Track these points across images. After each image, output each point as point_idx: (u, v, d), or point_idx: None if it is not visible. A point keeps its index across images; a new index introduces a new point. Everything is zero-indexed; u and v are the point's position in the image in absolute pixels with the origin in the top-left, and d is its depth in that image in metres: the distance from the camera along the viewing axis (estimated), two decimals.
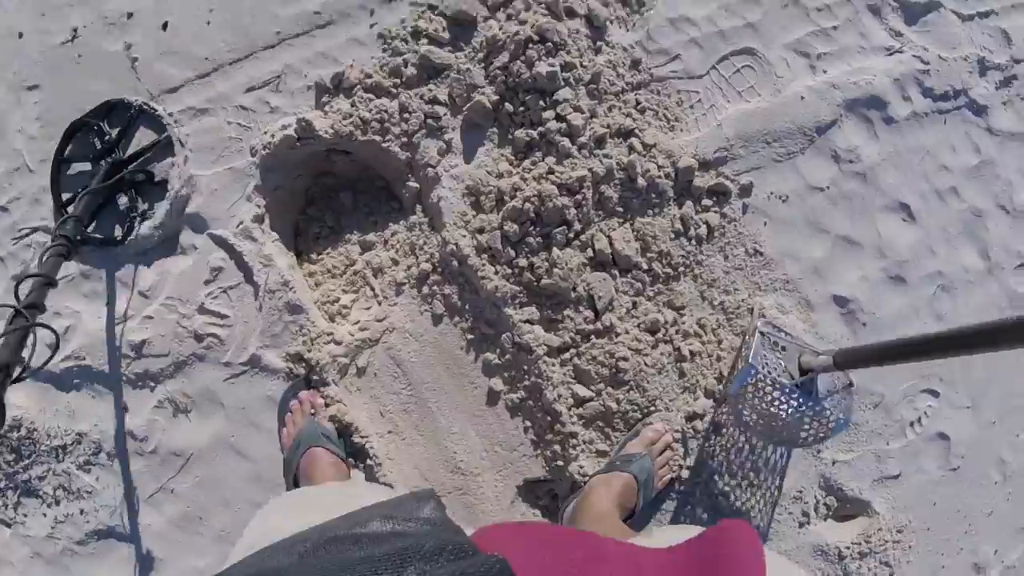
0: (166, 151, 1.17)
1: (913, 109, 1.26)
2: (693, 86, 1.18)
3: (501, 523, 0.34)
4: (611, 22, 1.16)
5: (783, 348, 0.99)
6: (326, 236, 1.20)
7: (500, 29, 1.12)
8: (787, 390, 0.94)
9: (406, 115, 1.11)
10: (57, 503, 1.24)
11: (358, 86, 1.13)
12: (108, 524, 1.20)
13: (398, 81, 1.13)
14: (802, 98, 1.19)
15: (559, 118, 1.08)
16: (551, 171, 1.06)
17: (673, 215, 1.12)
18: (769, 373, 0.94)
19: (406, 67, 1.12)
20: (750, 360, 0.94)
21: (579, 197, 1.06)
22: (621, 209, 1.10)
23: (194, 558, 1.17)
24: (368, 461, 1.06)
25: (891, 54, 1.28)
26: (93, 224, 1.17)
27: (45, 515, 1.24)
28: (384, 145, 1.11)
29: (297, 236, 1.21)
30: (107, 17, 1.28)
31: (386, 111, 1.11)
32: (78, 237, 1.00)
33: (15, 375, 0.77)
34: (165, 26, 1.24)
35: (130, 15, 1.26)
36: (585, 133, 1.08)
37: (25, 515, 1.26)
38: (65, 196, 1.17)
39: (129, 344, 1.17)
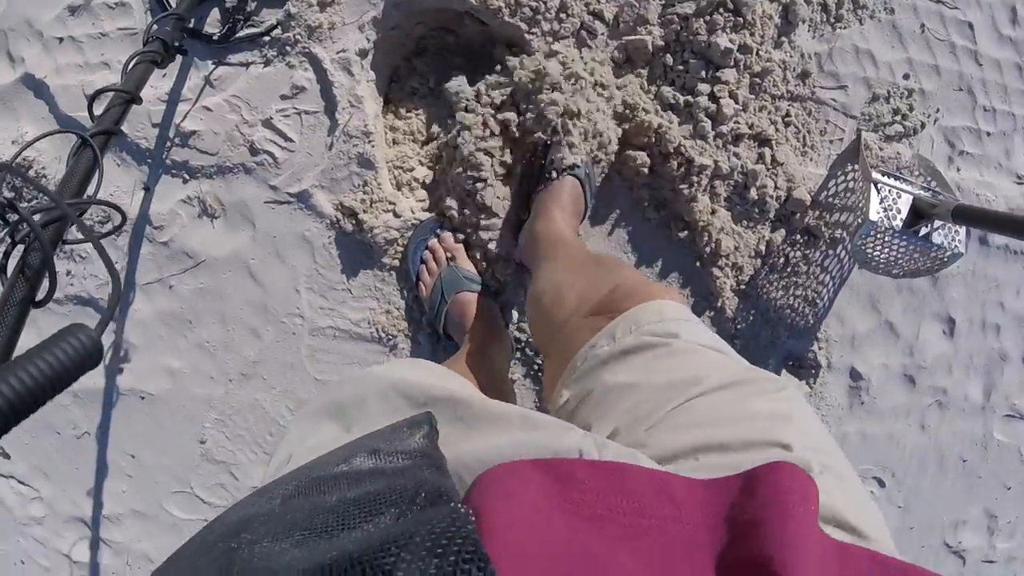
0: None
1: (1008, 243, 1.27)
2: (842, 123, 1.13)
3: (515, 461, 0.30)
4: (804, 23, 1.07)
5: (898, 195, 1.03)
6: (423, 96, 1.10)
7: None
8: (904, 236, 1.02)
9: (562, 15, 1.00)
10: None
11: None
12: (92, 295, 1.15)
13: None
14: None
15: (712, 97, 1.01)
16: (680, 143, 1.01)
17: (762, 236, 1.11)
18: (887, 223, 1.00)
19: None
20: (870, 216, 1.00)
21: (695, 178, 1.02)
22: (724, 207, 1.07)
23: (169, 358, 1.14)
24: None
25: (1019, 183, 1.26)
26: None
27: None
28: (527, 36, 1.00)
29: (391, 83, 1.11)
30: None
31: (545, 2, 0.99)
32: (176, 43, 0.85)
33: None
34: None
35: None
36: (729, 124, 1.02)
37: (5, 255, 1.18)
38: None
39: (177, 128, 1.06)
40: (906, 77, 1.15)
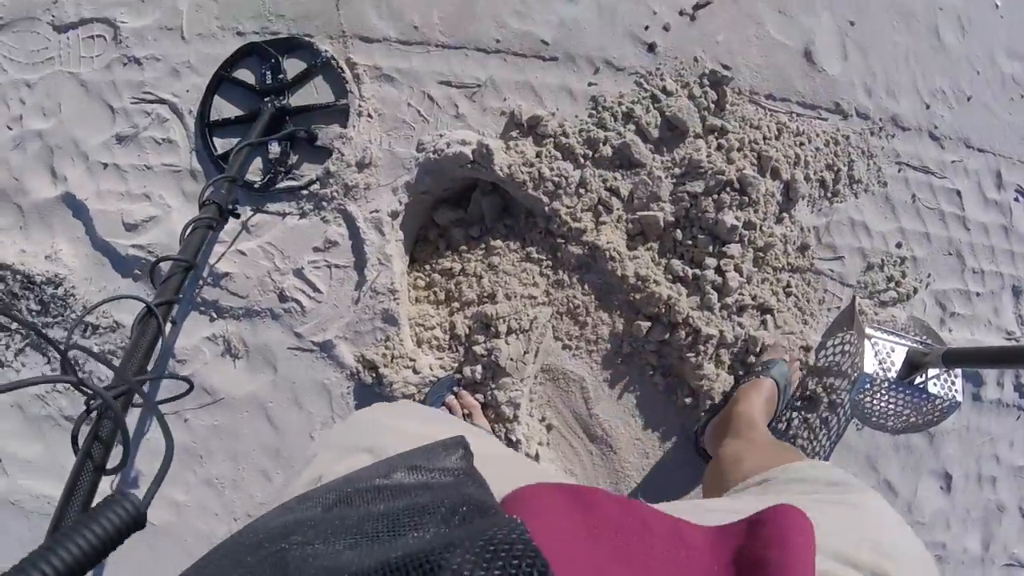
0: (336, 117, 1.09)
1: (1000, 397, 1.32)
2: (839, 291, 1.20)
3: (538, 484, 0.32)
4: (803, 199, 1.15)
5: (892, 349, 1.06)
6: (443, 251, 1.16)
7: (707, 157, 1.09)
8: (900, 387, 1.05)
9: (582, 190, 1.08)
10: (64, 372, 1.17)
11: (551, 139, 1.08)
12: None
13: (590, 153, 1.09)
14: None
15: (719, 271, 1.07)
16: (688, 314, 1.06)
17: None
18: (883, 375, 1.04)
19: (604, 144, 1.08)
20: (865, 370, 1.03)
21: (701, 347, 1.06)
22: (727, 372, 1.11)
23: (177, 491, 1.14)
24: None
25: (1008, 339, 1.33)
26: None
27: (42, 375, 1.18)
28: (547, 209, 1.07)
29: (416, 242, 1.17)
30: None
31: (566, 177, 1.07)
32: (229, 206, 0.92)
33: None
34: None
35: None
36: (734, 295, 1.08)
37: (23, 365, 1.20)
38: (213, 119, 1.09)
39: (210, 268, 1.11)
40: (899, 245, 1.23)
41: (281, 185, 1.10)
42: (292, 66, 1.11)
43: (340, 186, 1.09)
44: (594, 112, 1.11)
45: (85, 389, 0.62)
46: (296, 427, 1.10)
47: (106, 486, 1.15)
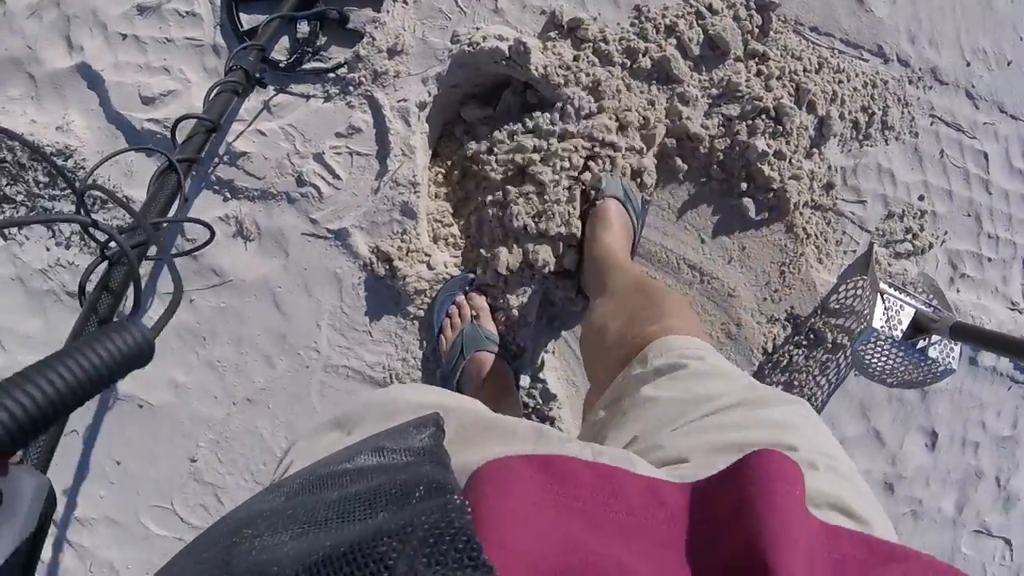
0: (370, 1, 1.05)
1: (995, 365, 1.34)
2: (857, 235, 1.20)
3: (506, 457, 0.30)
4: (835, 137, 1.14)
5: (901, 307, 1.08)
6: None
7: (746, 81, 1.07)
8: (902, 346, 1.07)
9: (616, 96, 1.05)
10: (67, 247, 1.15)
11: (590, 43, 1.05)
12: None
13: (628, 63, 1.06)
14: None
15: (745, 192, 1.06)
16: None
17: (770, 333, 1.15)
18: (889, 332, 1.06)
19: (643, 56, 1.05)
20: (873, 324, 1.04)
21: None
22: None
23: (177, 371, 1.13)
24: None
25: (1012, 309, 1.34)
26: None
27: (48, 250, 1.16)
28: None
29: (440, 137, 1.14)
30: None
31: (599, 83, 1.04)
32: (257, 74, 0.88)
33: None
34: None
35: None
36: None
37: (27, 238, 1.17)
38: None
39: (227, 146, 1.08)
40: (921, 198, 1.23)
41: (307, 66, 1.07)
42: None
43: (368, 72, 1.05)
44: (636, 21, 1.07)
45: (98, 232, 0.56)
46: (304, 314, 1.09)
47: None
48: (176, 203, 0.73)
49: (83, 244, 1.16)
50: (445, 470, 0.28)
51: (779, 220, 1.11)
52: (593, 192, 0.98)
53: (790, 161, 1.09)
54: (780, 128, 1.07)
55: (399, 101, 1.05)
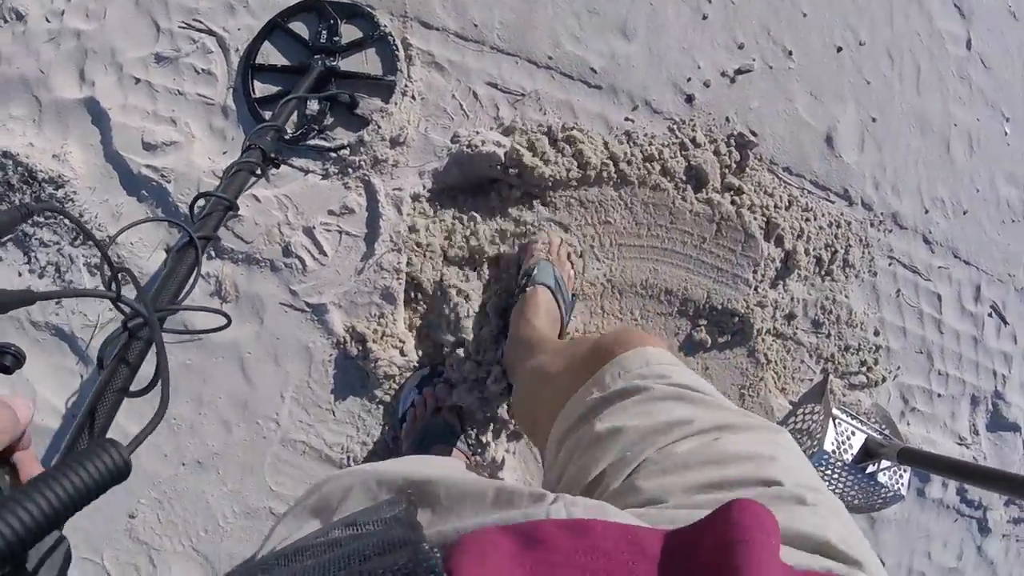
0: (380, 91, 1.12)
1: (943, 497, 1.39)
2: (814, 365, 1.25)
3: (483, 528, 0.31)
4: (799, 271, 1.21)
5: (852, 433, 1.09)
6: None
7: (716, 206, 1.14)
8: (851, 470, 1.07)
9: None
10: (40, 277, 1.14)
11: (580, 159, 1.12)
12: (74, 332, 1.13)
13: (613, 175, 1.12)
14: None
15: None
16: None
17: None
18: (839, 455, 1.06)
19: (627, 164, 1.12)
20: (824, 447, 1.05)
21: None
22: None
23: (131, 421, 1.11)
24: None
25: (959, 444, 1.40)
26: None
27: (20, 275, 1.15)
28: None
29: None
30: None
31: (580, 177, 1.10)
32: (273, 154, 0.91)
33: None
34: None
35: None
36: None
37: (0, 257, 1.16)
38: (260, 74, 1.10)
39: None
40: (876, 333, 1.30)
41: (311, 142, 1.11)
42: (348, 32, 1.13)
43: (369, 157, 1.10)
44: (625, 144, 1.15)
45: (124, 307, 0.56)
46: (270, 383, 1.09)
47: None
48: (193, 280, 0.72)
49: (56, 276, 1.15)
50: (415, 531, 0.29)
51: (742, 344, 1.17)
52: (525, 279, 1.01)
53: (756, 289, 1.15)
54: (750, 259, 1.13)
55: (394, 189, 1.09)
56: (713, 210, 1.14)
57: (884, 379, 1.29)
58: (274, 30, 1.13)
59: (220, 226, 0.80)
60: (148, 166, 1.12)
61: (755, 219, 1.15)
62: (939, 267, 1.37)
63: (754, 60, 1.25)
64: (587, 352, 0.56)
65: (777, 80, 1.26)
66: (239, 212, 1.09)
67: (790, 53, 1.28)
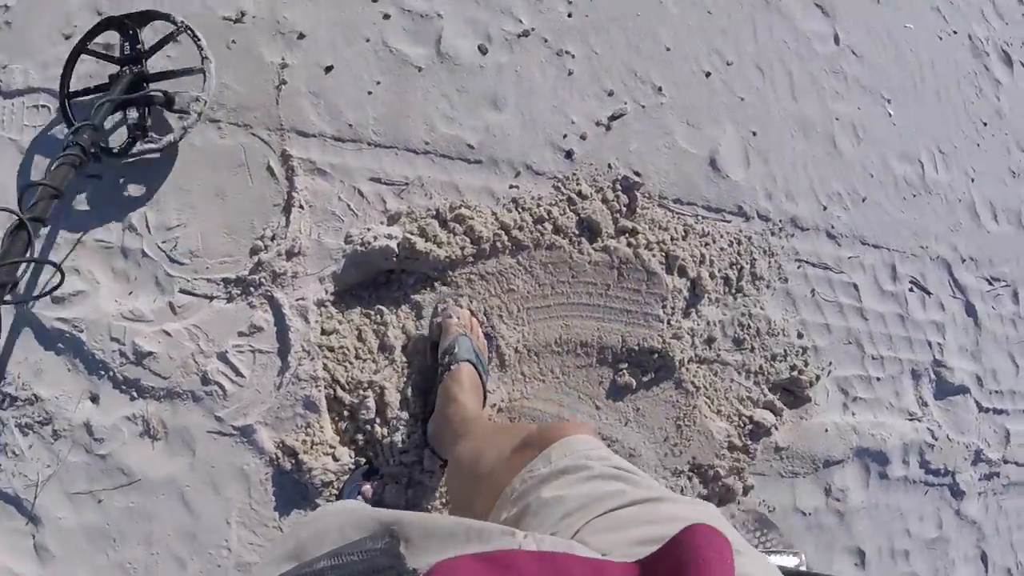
0: (192, 83, 1.13)
1: (906, 474, 1.40)
2: (745, 381, 1.28)
3: (456, 556, 0.32)
4: (709, 295, 1.25)
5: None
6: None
7: (613, 252, 1.18)
8: None
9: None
10: None
11: (468, 227, 1.16)
12: (18, 494, 1.14)
13: (507, 243, 1.16)
14: (826, 430, 1.31)
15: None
16: None
17: (675, 486, 1.19)
18: None
19: (519, 230, 1.16)
20: None
21: None
22: None
23: (86, 573, 1.12)
24: None
25: (911, 420, 1.42)
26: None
27: None
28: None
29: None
30: (279, 23, 1.26)
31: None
32: (92, 150, 0.96)
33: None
34: (329, 69, 1.24)
35: (302, 36, 1.25)
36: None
37: None
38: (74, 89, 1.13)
39: (134, 346, 1.13)
40: (800, 336, 1.33)
41: (138, 147, 1.12)
42: (150, 37, 1.15)
43: (268, 273, 1.14)
44: (513, 211, 1.20)
45: None
46: (213, 512, 1.10)
47: None
48: (28, 256, 0.80)
49: None
50: (399, 560, 0.31)
51: (668, 378, 1.19)
52: (447, 356, 1.04)
53: (669, 323, 1.18)
54: (656, 295, 1.17)
55: (298, 300, 1.13)
56: (611, 256, 1.18)
57: (818, 377, 1.32)
58: (78, 57, 1.13)
59: (48, 210, 0.86)
60: (59, 318, 1.15)
61: (654, 256, 1.19)
62: (849, 257, 1.41)
63: (626, 103, 1.31)
64: (525, 439, 0.62)
65: (651, 117, 1.32)
66: (154, 351, 1.11)
67: (659, 89, 1.34)
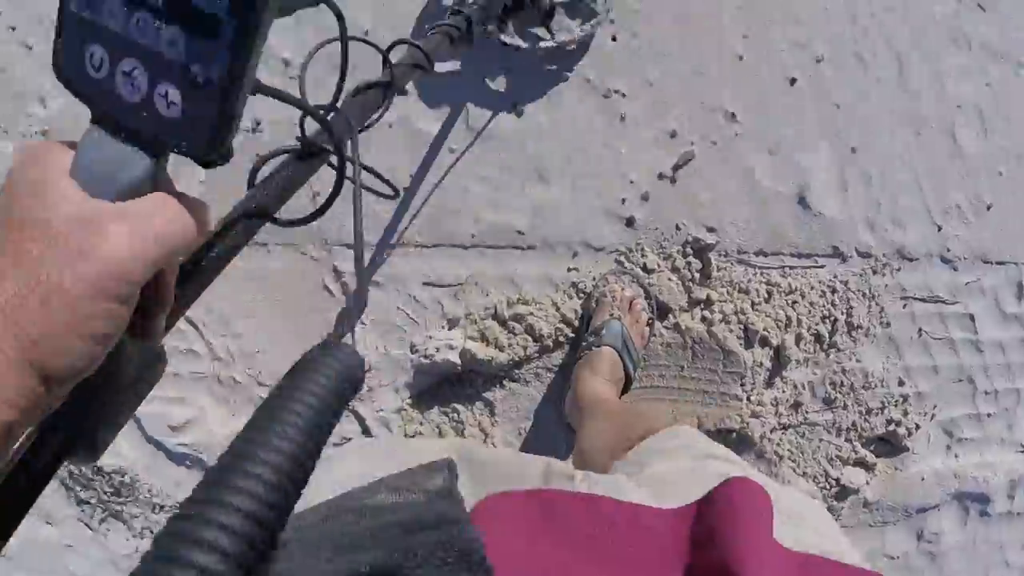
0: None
1: (1011, 508, 1.32)
2: (835, 440, 1.20)
3: (504, 493, 0.34)
4: (798, 360, 1.15)
5: None
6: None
7: (686, 332, 1.09)
8: None
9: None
10: (142, 538, 1.39)
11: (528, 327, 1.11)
12: None
13: (571, 335, 1.11)
14: (922, 479, 1.23)
15: None
16: None
17: None
18: None
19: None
20: None
21: None
22: None
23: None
24: None
25: (1021, 452, 1.30)
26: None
27: (127, 540, 1.40)
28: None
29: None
30: None
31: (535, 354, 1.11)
32: (480, 25, 0.74)
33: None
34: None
35: None
36: None
37: (108, 530, 1.42)
38: None
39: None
40: (901, 383, 1.21)
41: (543, 44, 0.99)
42: None
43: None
44: (574, 297, 1.12)
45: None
46: None
47: None
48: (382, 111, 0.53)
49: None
50: (457, 506, 0.32)
51: (748, 451, 1.15)
52: (593, 336, 1.01)
53: (748, 399, 1.11)
54: (735, 374, 1.09)
55: (378, 411, 1.17)
56: (683, 337, 1.10)
57: (918, 426, 1.22)
58: None
59: (407, 80, 0.60)
60: (180, 444, 1.29)
61: (731, 331, 1.10)
62: (966, 284, 1.22)
63: (692, 144, 1.12)
64: (644, 432, 0.63)
65: (724, 155, 1.13)
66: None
67: (733, 116, 1.13)
